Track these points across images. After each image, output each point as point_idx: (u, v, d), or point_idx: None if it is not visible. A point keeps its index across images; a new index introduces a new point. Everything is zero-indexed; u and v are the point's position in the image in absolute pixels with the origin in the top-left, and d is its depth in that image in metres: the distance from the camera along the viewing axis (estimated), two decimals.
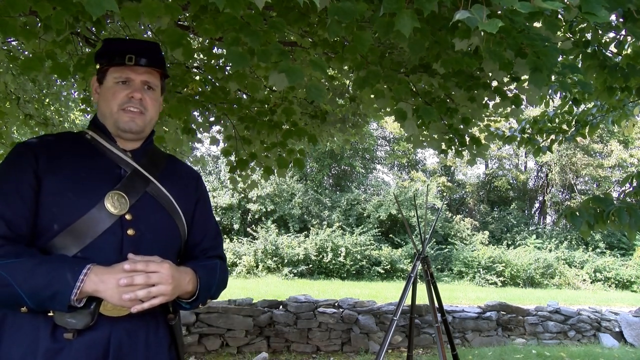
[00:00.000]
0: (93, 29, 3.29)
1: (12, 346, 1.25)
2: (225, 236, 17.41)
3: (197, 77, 3.96)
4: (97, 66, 1.46)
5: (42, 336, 1.24)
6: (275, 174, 4.36)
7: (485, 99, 3.39)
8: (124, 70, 1.40)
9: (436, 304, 3.50)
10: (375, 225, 18.92)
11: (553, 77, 2.66)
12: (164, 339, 1.42)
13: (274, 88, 4.09)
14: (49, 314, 1.22)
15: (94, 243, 1.28)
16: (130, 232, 1.32)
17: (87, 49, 3.58)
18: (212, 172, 20.66)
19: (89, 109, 4.78)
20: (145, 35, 3.67)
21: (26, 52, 3.79)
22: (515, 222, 22.13)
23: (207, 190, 1.64)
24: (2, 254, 1.20)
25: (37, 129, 5.34)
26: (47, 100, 5.37)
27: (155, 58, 1.44)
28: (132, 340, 1.32)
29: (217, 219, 14.08)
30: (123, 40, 1.51)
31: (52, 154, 1.35)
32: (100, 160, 1.39)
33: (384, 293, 11.53)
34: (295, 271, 15.78)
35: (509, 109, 3.46)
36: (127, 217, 1.33)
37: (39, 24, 2.62)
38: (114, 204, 1.31)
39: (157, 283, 1.25)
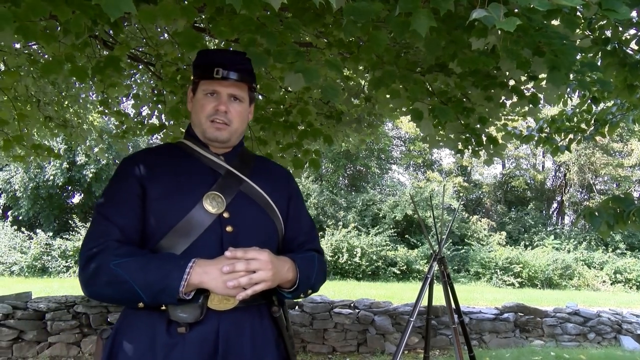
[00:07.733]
0: (111, 31, 3.34)
1: (133, 342, 1.37)
2: None
3: None
4: (192, 77, 1.57)
5: (159, 332, 1.35)
6: None
7: (502, 98, 3.36)
8: (213, 83, 1.49)
9: (453, 305, 3.47)
10: (391, 226, 18.84)
11: (571, 76, 2.62)
12: (269, 332, 1.49)
13: (289, 89, 4.10)
14: (163, 309, 1.33)
15: (197, 241, 1.39)
16: (228, 228, 1.42)
17: (104, 52, 3.63)
18: None
19: (106, 111, 4.85)
20: (161, 38, 3.71)
21: (46, 56, 3.85)
22: (532, 223, 21.86)
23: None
24: (118, 254, 1.32)
25: (56, 131, 5.42)
26: (66, 102, 5.44)
27: (242, 71, 1.51)
28: (239, 332, 1.40)
29: None
30: (214, 52, 1.59)
31: (153, 164, 1.48)
32: (196, 165, 1.50)
33: (400, 294, 11.47)
34: None
35: (526, 108, 3.42)
36: (225, 215, 1.43)
37: (59, 28, 2.67)
38: (211, 204, 1.42)
39: (257, 269, 1.32)
